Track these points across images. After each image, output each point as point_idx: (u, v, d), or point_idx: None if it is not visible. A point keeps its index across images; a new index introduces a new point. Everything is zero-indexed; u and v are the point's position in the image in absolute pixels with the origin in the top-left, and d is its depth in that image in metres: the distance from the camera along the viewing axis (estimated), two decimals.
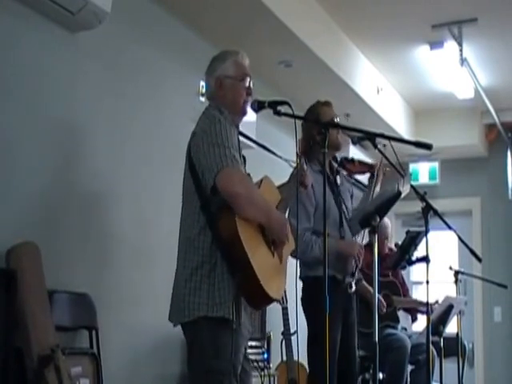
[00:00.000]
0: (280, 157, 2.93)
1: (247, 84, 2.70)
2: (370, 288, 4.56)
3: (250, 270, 2.38)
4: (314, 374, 3.39)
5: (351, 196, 3.71)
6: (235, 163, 2.45)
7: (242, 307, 2.47)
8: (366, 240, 3.96)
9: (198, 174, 2.52)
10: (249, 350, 2.80)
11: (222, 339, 2.44)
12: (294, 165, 2.85)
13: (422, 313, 5.19)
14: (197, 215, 2.52)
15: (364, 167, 3.70)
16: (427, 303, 3.44)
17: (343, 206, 3.57)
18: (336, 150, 3.59)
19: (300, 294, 3.48)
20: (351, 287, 3.52)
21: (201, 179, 2.50)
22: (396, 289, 5.21)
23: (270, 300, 2.50)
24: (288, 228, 2.61)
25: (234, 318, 2.43)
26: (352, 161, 3.70)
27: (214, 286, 2.45)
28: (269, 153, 2.98)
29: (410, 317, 5.44)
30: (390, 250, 5.30)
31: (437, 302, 4.89)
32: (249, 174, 2.76)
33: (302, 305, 3.48)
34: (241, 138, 2.79)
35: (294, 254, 2.83)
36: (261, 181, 2.77)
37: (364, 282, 4.69)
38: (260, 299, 2.49)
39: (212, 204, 2.47)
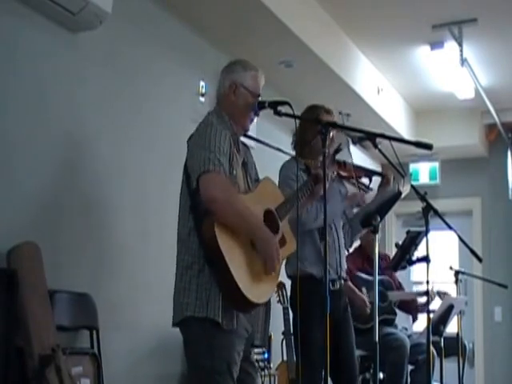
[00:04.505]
0: (281, 150, 2.93)
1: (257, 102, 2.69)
2: (355, 288, 4.54)
3: (227, 272, 2.36)
4: (303, 375, 3.30)
5: (344, 197, 3.66)
6: (217, 167, 2.44)
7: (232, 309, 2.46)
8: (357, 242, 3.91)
9: (190, 175, 2.54)
10: None
11: (213, 338, 2.44)
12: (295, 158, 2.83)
13: (422, 311, 5.18)
14: (187, 216, 2.54)
15: (359, 172, 3.59)
16: (427, 293, 3.41)
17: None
18: (318, 156, 3.52)
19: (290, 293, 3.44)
20: (334, 285, 3.42)
21: (191, 180, 2.52)
22: (390, 285, 5.19)
23: (251, 304, 2.45)
24: (277, 247, 2.50)
25: (221, 319, 2.41)
26: (344, 164, 3.61)
27: (202, 287, 2.45)
28: (270, 148, 2.97)
29: (410, 317, 5.42)
30: (385, 255, 5.29)
31: (433, 293, 4.88)
32: (257, 180, 2.75)
33: (290, 304, 3.43)
34: (242, 138, 2.79)
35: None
36: (259, 182, 2.76)
37: (349, 283, 4.65)
38: (240, 303, 2.45)
39: (200, 205, 2.48)
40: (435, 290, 4.86)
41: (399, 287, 5.31)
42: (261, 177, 2.84)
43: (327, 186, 3.50)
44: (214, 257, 2.39)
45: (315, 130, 3.27)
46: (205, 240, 2.44)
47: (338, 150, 3.18)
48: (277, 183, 3.05)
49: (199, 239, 2.47)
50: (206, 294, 2.43)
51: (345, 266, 3.57)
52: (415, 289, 7.44)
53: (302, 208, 2.81)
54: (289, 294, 4.40)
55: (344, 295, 3.55)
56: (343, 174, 3.49)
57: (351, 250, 5.00)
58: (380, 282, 5.05)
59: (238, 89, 2.68)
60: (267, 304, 2.69)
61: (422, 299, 5.04)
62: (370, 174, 3.53)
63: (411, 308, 5.29)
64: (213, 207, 2.41)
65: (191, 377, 2.57)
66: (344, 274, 3.55)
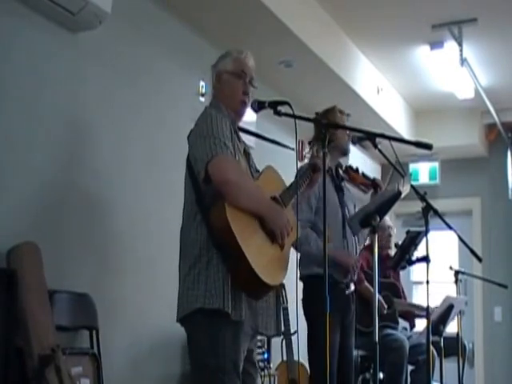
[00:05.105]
0: (278, 143, 2.94)
1: (246, 82, 2.71)
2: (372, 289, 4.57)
3: (241, 255, 2.34)
4: (314, 376, 3.40)
5: (354, 205, 3.75)
6: (225, 150, 2.46)
7: (241, 300, 2.44)
8: (367, 241, 3.98)
9: (193, 169, 2.54)
10: None
11: (219, 335, 2.41)
12: (293, 150, 2.86)
13: (421, 317, 5.19)
14: (194, 210, 2.53)
15: (367, 181, 3.69)
16: (427, 308, 3.43)
17: (346, 209, 3.61)
18: (343, 154, 3.65)
19: (300, 294, 3.49)
20: (349, 287, 3.55)
21: (196, 173, 2.52)
22: (397, 291, 5.20)
23: (266, 286, 2.43)
24: (287, 219, 2.54)
25: (231, 310, 2.39)
26: (357, 171, 3.71)
27: (212, 278, 2.43)
28: (268, 142, 2.97)
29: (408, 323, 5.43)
30: (388, 255, 5.28)
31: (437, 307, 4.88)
32: (258, 171, 2.77)
33: (302, 305, 3.48)
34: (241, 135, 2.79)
35: (294, 246, 2.79)
36: (262, 171, 2.76)
37: (366, 283, 4.71)
38: (254, 286, 2.42)
39: (206, 196, 2.48)
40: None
41: (403, 296, 5.33)
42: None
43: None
44: (226, 241, 2.37)
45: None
46: (215, 226, 2.42)
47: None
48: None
49: (208, 229, 2.45)
50: (215, 285, 2.41)
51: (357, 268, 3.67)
52: (415, 290, 7.48)
53: (303, 195, 2.85)
54: (289, 296, 4.44)
55: (354, 298, 3.65)
56: (357, 179, 3.58)
57: (362, 247, 5.04)
58: (387, 285, 5.07)
59: (221, 76, 2.74)
60: (277, 293, 2.69)
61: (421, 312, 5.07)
62: (375, 185, 3.63)
63: (408, 316, 5.31)
64: (225, 189, 2.41)
65: (195, 376, 2.52)
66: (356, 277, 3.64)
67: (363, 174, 3.72)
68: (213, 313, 2.40)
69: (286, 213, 2.58)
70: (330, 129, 3.48)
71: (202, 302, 2.42)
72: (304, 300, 3.49)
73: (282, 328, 4.57)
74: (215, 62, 2.80)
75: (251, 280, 2.38)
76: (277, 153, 3.30)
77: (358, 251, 3.70)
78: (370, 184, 3.66)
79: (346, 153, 3.67)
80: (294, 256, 2.94)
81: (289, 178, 2.82)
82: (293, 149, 2.86)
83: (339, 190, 3.65)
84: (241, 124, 2.81)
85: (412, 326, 5.39)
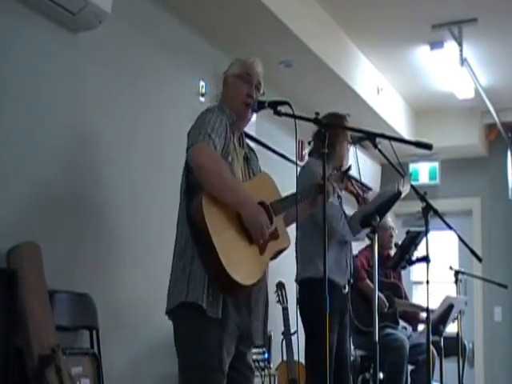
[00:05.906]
0: (281, 155, 2.94)
1: (252, 85, 2.71)
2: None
3: (211, 245, 2.31)
4: (312, 376, 3.41)
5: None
6: (207, 140, 2.45)
7: (220, 298, 2.40)
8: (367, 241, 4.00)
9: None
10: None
11: (202, 331, 2.40)
12: (295, 164, 2.85)
13: (423, 322, 5.18)
14: (183, 202, 2.54)
15: (355, 190, 3.67)
16: (427, 308, 3.43)
17: (345, 213, 3.63)
18: (339, 163, 3.63)
19: (296, 296, 3.49)
20: (345, 288, 3.57)
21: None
22: (398, 291, 5.20)
23: (236, 284, 2.35)
24: (267, 221, 2.45)
25: (206, 306, 2.36)
26: (350, 178, 3.70)
27: (194, 272, 2.42)
28: (271, 152, 2.98)
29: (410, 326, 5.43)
30: (389, 255, 5.29)
31: None
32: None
33: (300, 307, 3.47)
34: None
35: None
36: (255, 175, 2.74)
37: (368, 281, 4.72)
38: (225, 284, 2.35)
39: (192, 186, 2.48)
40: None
41: (405, 297, 5.32)
42: None
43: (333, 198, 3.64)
44: (199, 232, 2.34)
45: (343, 138, 3.54)
46: (192, 216, 2.40)
47: (348, 170, 3.25)
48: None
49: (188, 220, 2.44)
50: (195, 280, 2.40)
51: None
52: (415, 290, 7.48)
53: (301, 215, 2.72)
54: (289, 296, 4.45)
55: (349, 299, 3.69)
56: (350, 188, 3.60)
57: (364, 246, 5.06)
58: (389, 285, 5.07)
59: (227, 80, 2.77)
60: (266, 302, 2.67)
61: (424, 314, 5.06)
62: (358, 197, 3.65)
63: (412, 319, 5.31)
64: (200, 175, 2.40)
65: (182, 373, 2.49)
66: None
67: (355, 182, 3.70)
68: (193, 307, 2.39)
69: (266, 216, 2.46)
70: (333, 141, 3.53)
71: (184, 296, 2.42)
72: (302, 302, 3.47)
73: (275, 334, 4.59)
74: (226, 70, 2.82)
75: (221, 276, 2.32)
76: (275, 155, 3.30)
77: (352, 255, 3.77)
78: (354, 195, 3.63)
79: (341, 162, 3.64)
80: (293, 257, 2.94)
81: (288, 178, 2.82)
82: (295, 163, 2.85)
83: (338, 195, 3.65)
84: None
85: (414, 329, 5.39)
